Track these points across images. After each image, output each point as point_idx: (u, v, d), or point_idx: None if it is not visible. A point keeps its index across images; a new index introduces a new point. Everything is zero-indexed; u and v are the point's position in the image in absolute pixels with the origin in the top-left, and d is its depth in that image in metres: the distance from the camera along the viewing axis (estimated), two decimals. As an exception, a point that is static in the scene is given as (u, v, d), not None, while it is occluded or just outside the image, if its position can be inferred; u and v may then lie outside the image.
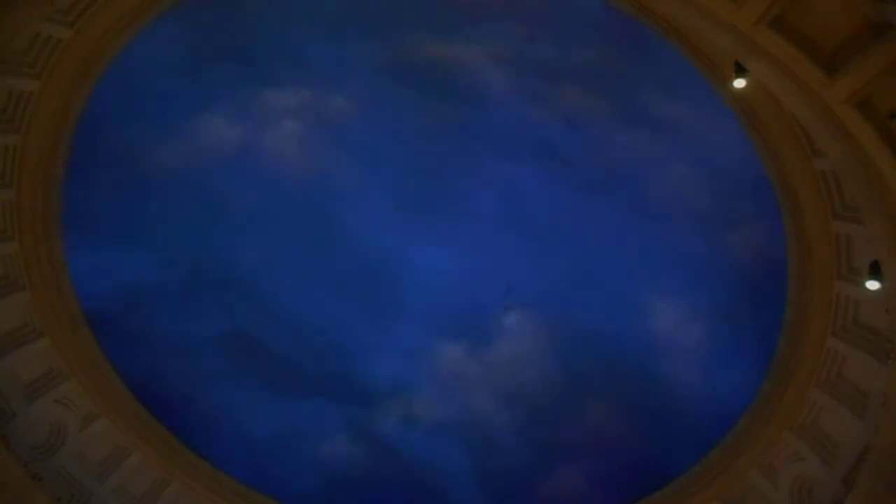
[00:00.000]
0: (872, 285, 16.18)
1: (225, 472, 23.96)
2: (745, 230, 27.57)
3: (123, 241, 28.82)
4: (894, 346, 16.70)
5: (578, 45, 29.02)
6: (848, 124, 13.78)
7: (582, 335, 30.56)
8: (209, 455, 23.79)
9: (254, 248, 30.91)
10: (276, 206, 31.21)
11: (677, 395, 28.72)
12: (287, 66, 30.08)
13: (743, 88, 16.79)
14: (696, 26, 15.93)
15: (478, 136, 31.31)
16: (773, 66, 14.08)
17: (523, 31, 29.37)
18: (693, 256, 29.15)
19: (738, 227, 28.12)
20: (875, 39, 12.57)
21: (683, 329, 29.40)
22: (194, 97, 29.42)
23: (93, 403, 21.82)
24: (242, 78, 29.89)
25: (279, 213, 31.26)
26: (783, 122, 17.65)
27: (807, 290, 19.42)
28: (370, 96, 30.73)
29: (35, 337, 20.62)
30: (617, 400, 29.56)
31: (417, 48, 29.82)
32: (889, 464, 16.89)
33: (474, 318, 31.63)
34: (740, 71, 16.13)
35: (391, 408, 30.95)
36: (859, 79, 13.12)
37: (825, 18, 12.99)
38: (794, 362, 20.04)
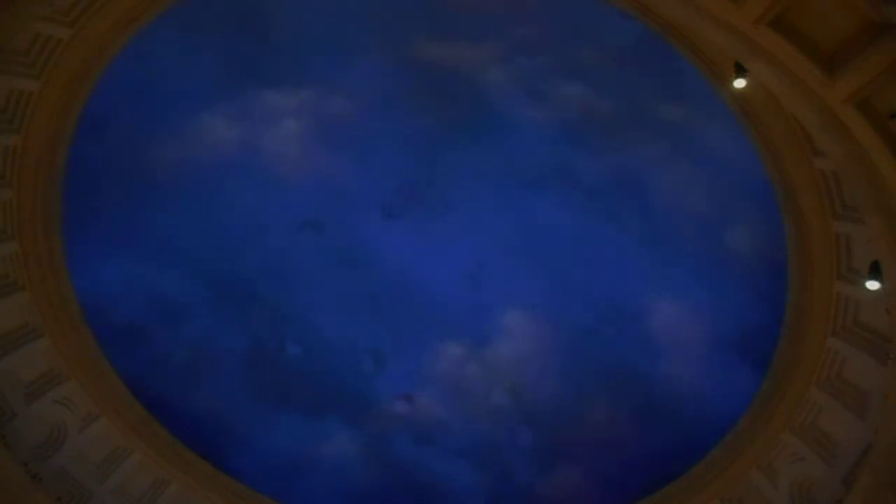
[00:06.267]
0: (872, 285, 16.20)
1: (226, 473, 24.02)
2: (745, 230, 27.55)
3: (125, 242, 28.78)
4: (894, 346, 16.71)
5: (579, 47, 29.00)
6: (848, 124, 13.79)
7: (582, 336, 30.55)
8: (212, 458, 23.87)
9: (258, 252, 30.87)
10: (277, 208, 31.17)
11: (677, 395, 28.70)
12: (292, 67, 30.06)
13: (743, 88, 16.82)
14: (696, 26, 15.93)
15: (479, 139, 31.30)
16: (773, 66, 14.08)
17: (524, 32, 29.35)
18: (693, 257, 29.13)
19: (738, 228, 28.10)
20: (875, 39, 12.57)
21: (683, 329, 29.37)
22: (195, 97, 29.37)
23: (93, 403, 21.85)
24: (244, 78, 29.86)
25: (280, 214, 31.23)
26: (783, 122, 17.67)
27: (807, 291, 19.44)
28: (373, 99, 30.70)
29: (35, 337, 20.65)
30: (617, 400, 29.54)
31: (422, 52, 29.81)
32: (889, 464, 16.90)
33: (474, 321, 31.63)
34: (740, 71, 16.17)
35: (397, 414, 30.94)
36: (859, 79, 13.12)
37: (825, 18, 12.98)
38: (794, 362, 20.07)
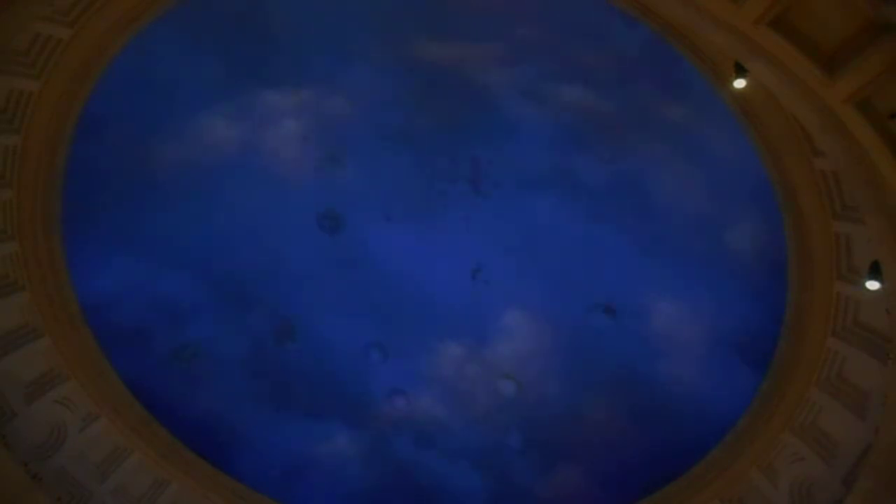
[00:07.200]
0: (872, 285, 16.19)
1: (226, 473, 24.03)
2: (745, 230, 27.55)
3: (125, 242, 28.75)
4: (894, 346, 16.70)
5: (580, 47, 28.99)
6: (848, 124, 13.78)
7: (582, 336, 30.55)
8: (212, 458, 23.87)
9: (258, 252, 30.84)
10: (277, 208, 31.16)
11: (677, 395, 28.70)
12: (292, 67, 30.03)
13: (743, 88, 16.82)
14: (696, 26, 15.94)
15: (479, 140, 31.29)
16: (773, 66, 14.08)
17: (524, 32, 29.34)
18: (693, 257, 29.13)
19: (738, 228, 28.10)
20: (875, 39, 12.56)
21: (683, 329, 29.38)
22: (195, 97, 29.36)
23: (93, 403, 21.86)
24: (244, 78, 29.85)
25: (280, 214, 31.22)
26: (783, 122, 17.67)
27: (807, 291, 19.45)
28: (373, 99, 30.68)
29: (35, 337, 20.64)
30: (617, 400, 29.54)
31: (422, 52, 29.78)
32: (889, 464, 16.89)
33: (474, 321, 31.62)
34: (740, 71, 16.17)
35: (397, 414, 30.92)
36: (859, 79, 13.11)
37: (825, 18, 12.98)
38: (794, 362, 20.07)
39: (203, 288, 30.22)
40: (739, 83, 16.52)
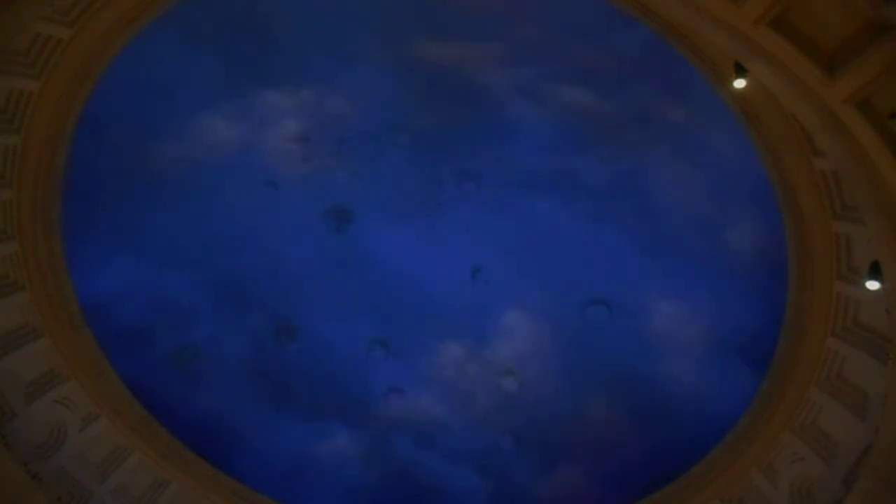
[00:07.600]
0: (872, 285, 16.19)
1: (226, 473, 24.03)
2: (745, 230, 27.56)
3: (125, 242, 28.76)
4: (894, 346, 16.71)
5: (580, 47, 28.98)
6: (848, 124, 13.79)
7: (582, 336, 30.55)
8: (212, 459, 23.88)
9: (258, 252, 30.85)
10: (277, 208, 31.17)
11: (677, 396, 28.71)
12: (292, 67, 30.03)
13: (743, 88, 16.83)
14: (696, 26, 15.95)
15: (480, 140, 31.29)
16: (773, 66, 14.08)
17: (525, 33, 29.34)
18: (693, 257, 29.13)
19: (738, 228, 28.11)
20: (875, 39, 12.57)
21: (683, 329, 29.38)
22: (195, 97, 29.37)
23: (93, 403, 21.86)
24: (244, 78, 29.85)
25: (280, 215, 31.23)
26: (783, 122, 17.67)
27: (807, 291, 19.45)
28: (373, 99, 30.67)
29: (35, 337, 20.64)
30: (617, 400, 29.55)
31: (422, 52, 29.77)
32: (889, 464, 16.90)
33: (474, 321, 31.61)
34: (740, 71, 16.18)
35: (397, 414, 30.91)
36: (859, 79, 13.12)
37: (825, 18, 12.99)
38: (794, 362, 20.07)
39: (203, 288, 30.22)
40: (739, 83, 16.52)
